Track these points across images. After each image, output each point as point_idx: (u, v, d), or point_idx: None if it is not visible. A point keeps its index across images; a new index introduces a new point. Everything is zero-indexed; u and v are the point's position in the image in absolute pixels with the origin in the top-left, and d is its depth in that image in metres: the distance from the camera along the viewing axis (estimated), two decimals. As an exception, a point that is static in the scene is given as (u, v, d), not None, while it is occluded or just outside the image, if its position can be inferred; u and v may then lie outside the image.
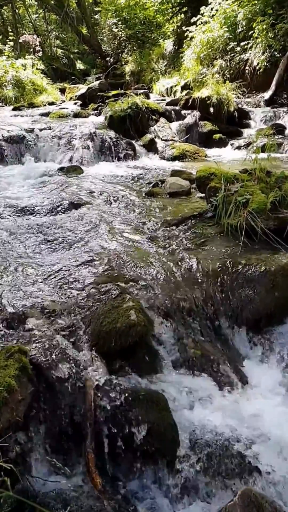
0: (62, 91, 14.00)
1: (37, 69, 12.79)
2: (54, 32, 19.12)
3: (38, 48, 14.25)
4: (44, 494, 1.65)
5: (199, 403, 2.14)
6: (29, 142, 6.73)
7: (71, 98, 12.51)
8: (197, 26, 11.07)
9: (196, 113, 8.29)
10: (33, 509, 1.52)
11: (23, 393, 1.78)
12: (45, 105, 11.03)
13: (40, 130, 7.06)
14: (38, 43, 14.29)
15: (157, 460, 1.85)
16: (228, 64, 10.52)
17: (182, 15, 14.46)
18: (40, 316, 2.40)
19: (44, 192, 4.83)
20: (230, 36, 10.53)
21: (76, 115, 8.65)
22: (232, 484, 1.82)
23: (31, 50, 13.82)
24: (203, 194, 3.93)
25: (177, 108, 8.70)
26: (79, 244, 3.35)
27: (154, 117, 7.90)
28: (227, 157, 6.64)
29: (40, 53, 14.54)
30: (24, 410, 1.78)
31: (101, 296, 2.48)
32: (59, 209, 4.20)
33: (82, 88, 12.03)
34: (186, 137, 7.74)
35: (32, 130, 6.99)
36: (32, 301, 2.51)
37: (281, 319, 2.65)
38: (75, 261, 3.03)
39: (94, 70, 19.78)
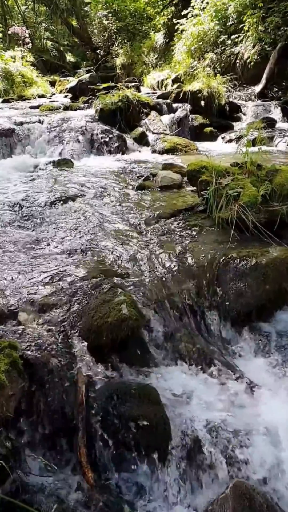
0: (52, 83, 13.86)
1: (26, 61, 12.64)
2: (43, 24, 18.85)
3: (27, 40, 14.03)
4: (35, 489, 1.64)
5: (191, 396, 2.14)
6: (19, 135, 6.66)
7: (61, 91, 12.39)
8: (187, 19, 11.01)
9: (187, 107, 8.27)
10: (21, 507, 1.51)
11: (14, 388, 1.77)
12: (35, 98, 10.91)
13: (30, 123, 6.98)
14: (27, 35, 14.06)
15: (149, 453, 1.84)
16: (219, 57, 10.49)
17: (173, 8, 14.35)
18: (31, 311, 2.39)
19: (34, 185, 4.79)
20: (221, 29, 10.49)
21: (67, 108, 8.57)
22: (224, 477, 1.82)
23: (20, 42, 13.61)
24: (195, 188, 3.92)
25: (168, 101, 8.66)
26: (69, 238, 3.33)
27: (145, 110, 7.85)
28: (218, 151, 6.63)
29: (30, 45, 14.31)
30: (15, 406, 1.77)
31: (93, 290, 2.47)
32: (49, 202, 4.17)
33: (73, 81, 11.91)
34: (177, 130, 7.72)
35: (22, 123, 6.91)
36: (22, 296, 2.49)
37: (272, 312, 2.66)
38: (66, 255, 3.01)
39: (85, 62, 19.60)
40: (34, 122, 7.02)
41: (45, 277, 2.69)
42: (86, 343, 2.18)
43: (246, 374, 2.37)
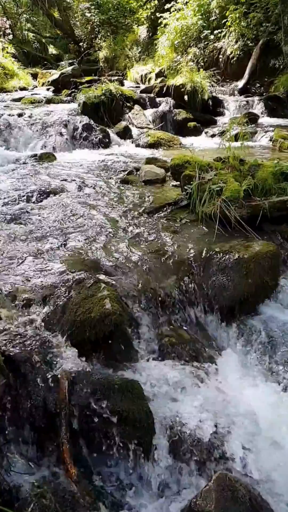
0: (34, 76, 13.65)
1: (7, 53, 12.42)
2: (24, 15, 18.48)
3: (8, 31, 13.78)
4: (16, 487, 1.62)
5: (174, 391, 2.15)
6: (0, 129, 6.54)
7: (43, 83, 12.22)
8: (171, 12, 10.95)
9: (171, 101, 8.26)
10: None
11: (-5, 385, 1.74)
12: (16, 90, 10.75)
13: (12, 116, 6.87)
14: (8, 26, 13.81)
15: (133, 448, 1.84)
16: (202, 52, 10.48)
17: (156, 1, 14.24)
18: (12, 307, 2.35)
19: (15, 180, 4.71)
20: (204, 24, 10.48)
21: (49, 101, 8.46)
22: (208, 469, 1.84)
23: (1, 33, 13.36)
24: (178, 182, 3.92)
25: (152, 95, 8.63)
26: (52, 233, 3.29)
27: (128, 104, 7.82)
28: (202, 145, 6.64)
29: (11, 37, 14.07)
30: (-4, 403, 1.74)
31: (76, 286, 2.44)
32: (31, 197, 4.11)
33: (55, 74, 11.75)
34: (161, 124, 7.70)
35: (2, 116, 6.79)
36: (4, 291, 2.45)
37: (254, 305, 2.69)
38: (48, 250, 2.97)
39: (67, 55, 19.33)
40: (15, 115, 6.91)
41: (27, 272, 2.65)
42: (69, 339, 2.16)
43: (229, 367, 2.39)
